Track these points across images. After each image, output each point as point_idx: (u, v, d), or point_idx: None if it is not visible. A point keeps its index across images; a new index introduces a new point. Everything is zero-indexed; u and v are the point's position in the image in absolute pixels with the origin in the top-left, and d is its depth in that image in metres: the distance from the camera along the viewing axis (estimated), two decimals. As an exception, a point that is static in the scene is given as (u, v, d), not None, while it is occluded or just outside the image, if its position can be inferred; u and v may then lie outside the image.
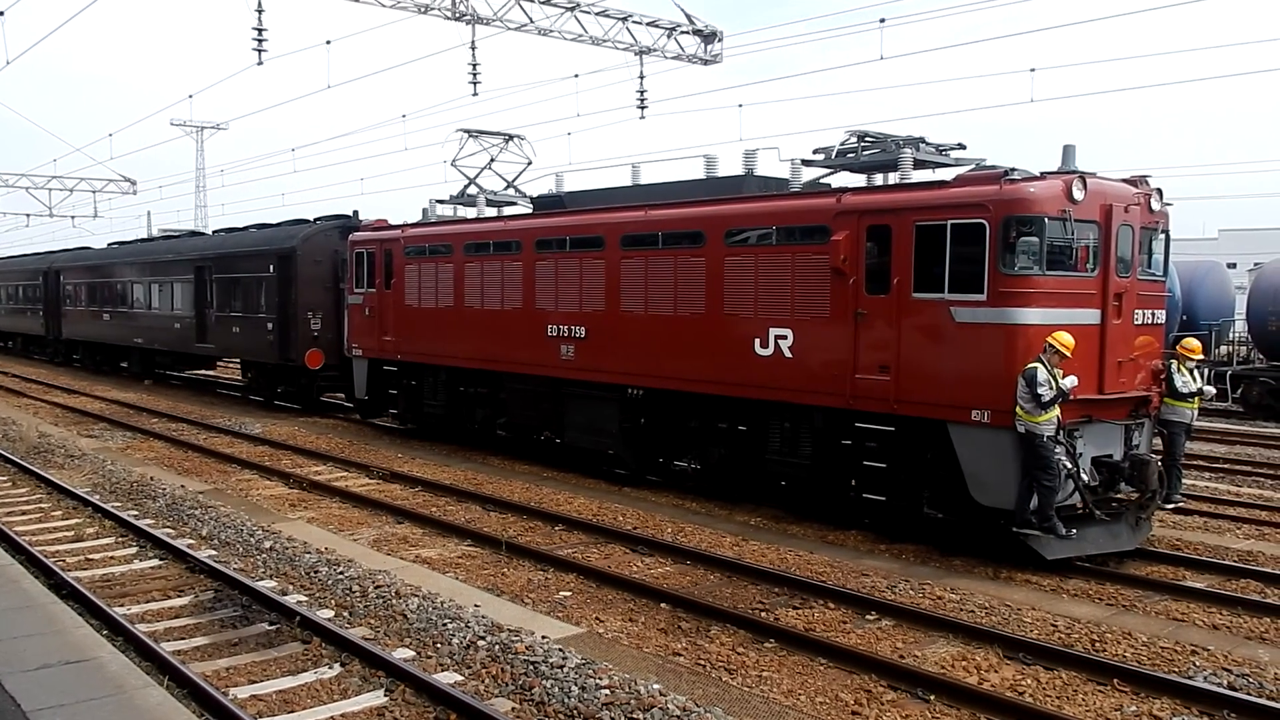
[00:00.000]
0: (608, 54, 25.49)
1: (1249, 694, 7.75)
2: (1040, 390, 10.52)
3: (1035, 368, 10.63)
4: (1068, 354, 10.70)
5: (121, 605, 9.70)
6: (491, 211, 20.52)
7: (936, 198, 11.71)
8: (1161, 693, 7.80)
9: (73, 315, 39.18)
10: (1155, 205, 12.10)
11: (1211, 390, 15.02)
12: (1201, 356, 13.55)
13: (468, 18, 22.54)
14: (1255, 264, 29.96)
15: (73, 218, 51.89)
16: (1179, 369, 12.60)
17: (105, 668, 7.10)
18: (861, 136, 13.90)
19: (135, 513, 13.82)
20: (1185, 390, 12.59)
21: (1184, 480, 14.18)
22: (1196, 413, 13.18)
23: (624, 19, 24.48)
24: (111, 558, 11.68)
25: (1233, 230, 65.05)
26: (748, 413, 14.00)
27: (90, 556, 11.69)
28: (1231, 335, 30.28)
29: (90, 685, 6.74)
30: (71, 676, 6.91)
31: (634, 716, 7.11)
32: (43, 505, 14.37)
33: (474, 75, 23.06)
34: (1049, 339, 10.73)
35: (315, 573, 10.92)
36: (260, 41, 21.03)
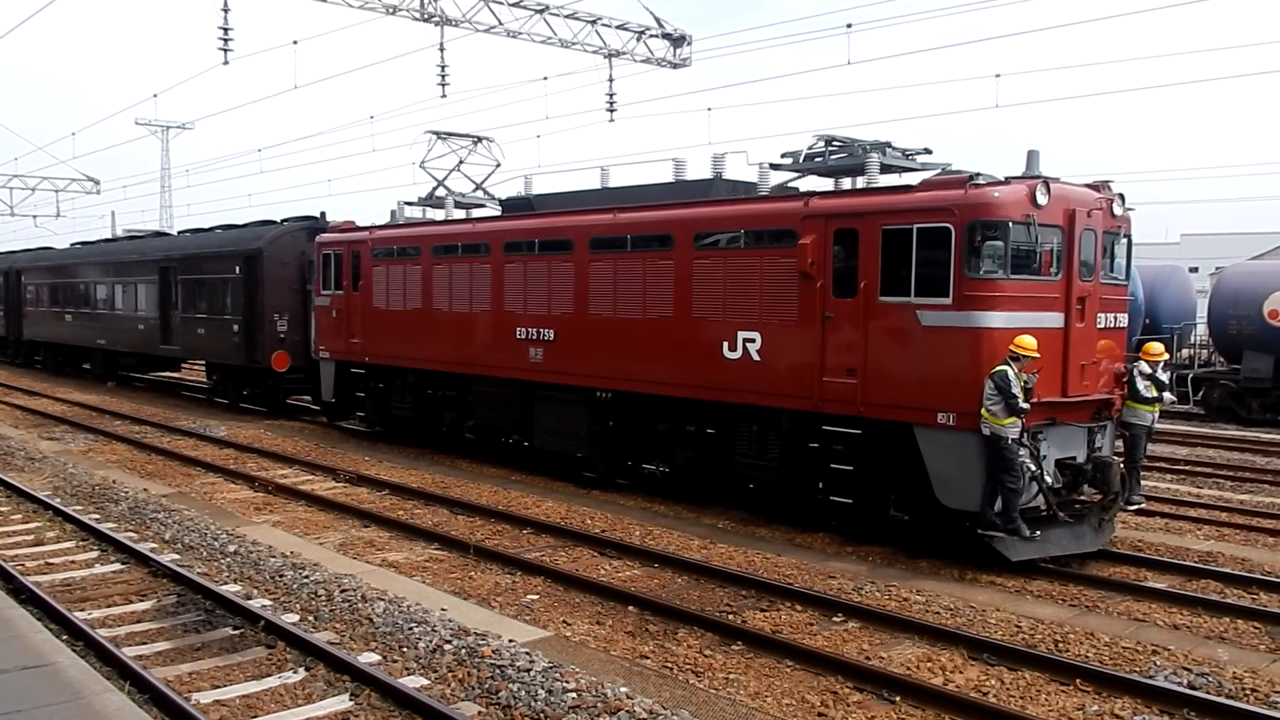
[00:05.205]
0: (577, 57, 25.51)
1: (1208, 693, 7.85)
2: (1013, 397, 10.57)
3: (1005, 371, 10.71)
4: (1035, 357, 10.81)
5: (82, 610, 9.57)
6: (460, 214, 20.45)
7: (903, 202, 11.79)
8: (1123, 692, 7.89)
9: (34, 316, 38.65)
10: (1118, 210, 12.25)
11: (1172, 396, 15.22)
12: (1166, 357, 13.72)
13: (436, 19, 22.47)
14: (1217, 268, 30.39)
15: (34, 217, 51.21)
16: (1138, 373, 12.74)
17: (64, 673, 7.00)
18: (829, 141, 13.98)
19: (97, 516, 13.65)
20: (1147, 394, 12.74)
21: (1145, 482, 14.36)
22: (1158, 416, 13.35)
23: (593, 22, 24.50)
24: (72, 562, 11.52)
25: (1195, 235, 66.10)
26: (716, 416, 14.03)
27: (50, 560, 11.53)
28: (1193, 339, 30.70)
29: (48, 691, 6.64)
30: (28, 682, 6.80)
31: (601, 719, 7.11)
32: (1, 509, 14.15)
33: (443, 77, 23.02)
34: (1012, 345, 10.82)
35: (280, 577, 10.82)
36: (226, 41, 20.90)
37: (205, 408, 27.20)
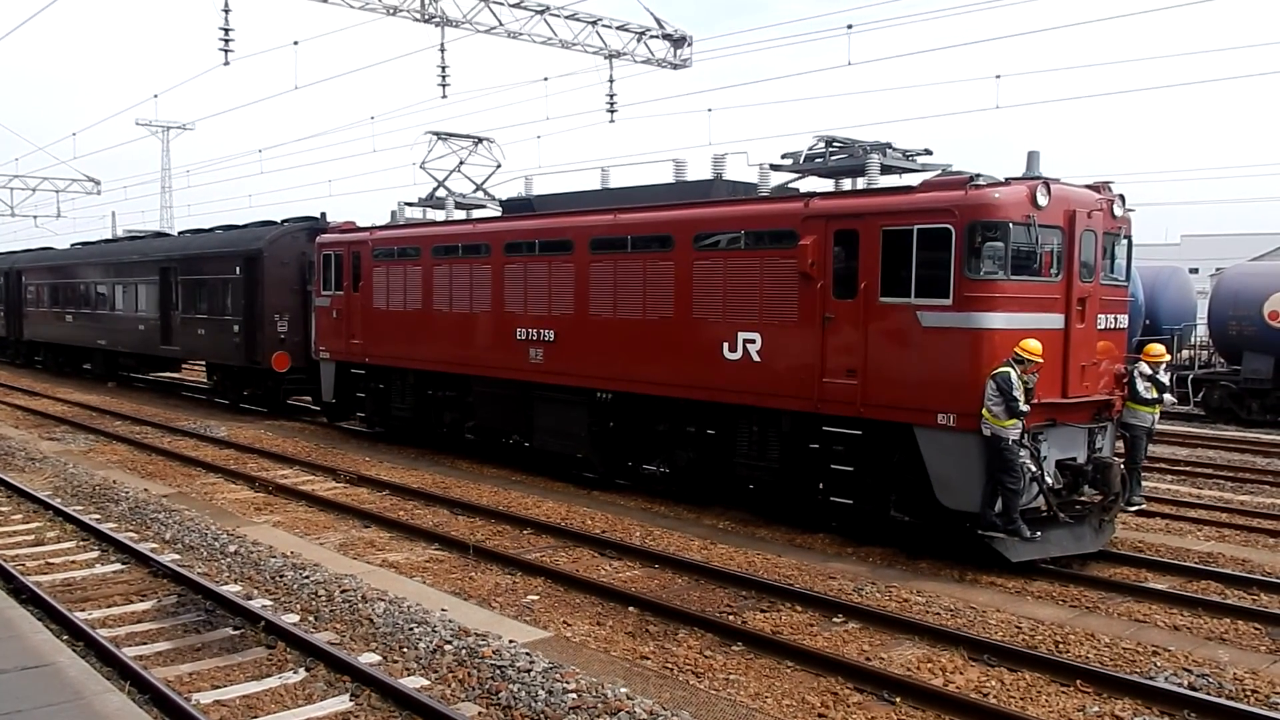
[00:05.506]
0: (577, 57, 25.47)
1: (1209, 694, 7.85)
2: (1014, 400, 10.56)
3: (1007, 372, 10.69)
4: (1040, 361, 10.81)
5: (82, 610, 9.58)
6: (460, 214, 20.45)
7: (903, 203, 11.79)
8: (1123, 693, 7.89)
9: (35, 316, 38.66)
10: (1118, 211, 12.25)
11: (1172, 398, 15.22)
12: (1167, 358, 13.71)
13: (437, 20, 22.46)
14: (1217, 269, 30.40)
15: (35, 217, 51.18)
16: (1138, 374, 12.73)
17: (64, 673, 7.00)
18: (829, 142, 13.97)
19: (97, 516, 13.65)
20: (1147, 395, 12.74)
21: (1145, 483, 14.35)
22: (1158, 417, 13.35)
23: (594, 23, 24.49)
24: (73, 562, 11.53)
25: (1195, 236, 66.18)
26: (716, 416, 14.02)
27: (51, 560, 11.53)
28: (1193, 339, 30.70)
29: (48, 691, 6.64)
30: (29, 682, 6.80)
31: (601, 720, 7.11)
32: (2, 509, 14.15)
33: (443, 77, 22.99)
34: (1017, 348, 10.81)
35: (280, 577, 10.82)
36: (227, 42, 20.87)
37: (205, 408, 27.20)
